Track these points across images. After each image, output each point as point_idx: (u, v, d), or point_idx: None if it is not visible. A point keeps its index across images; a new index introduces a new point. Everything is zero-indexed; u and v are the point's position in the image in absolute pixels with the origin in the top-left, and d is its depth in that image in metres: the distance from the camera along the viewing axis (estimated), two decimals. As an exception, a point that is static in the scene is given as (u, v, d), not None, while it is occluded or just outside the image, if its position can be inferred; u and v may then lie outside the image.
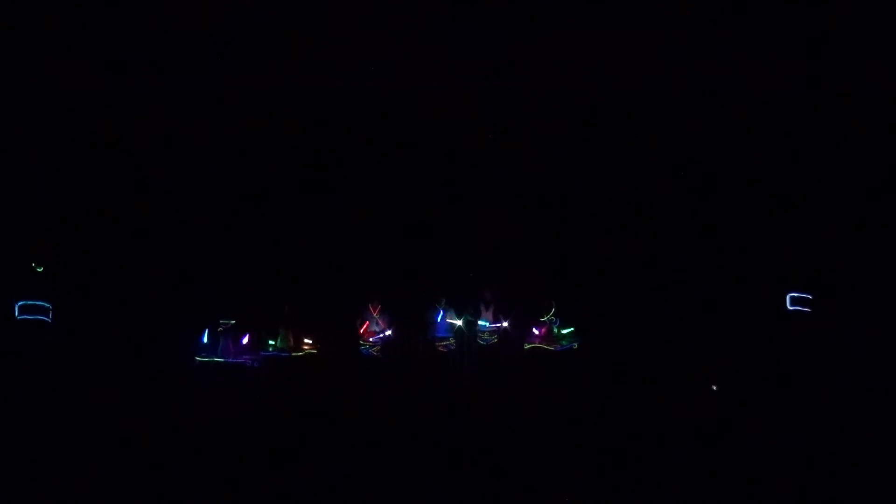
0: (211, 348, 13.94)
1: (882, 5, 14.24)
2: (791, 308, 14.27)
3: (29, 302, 13.93)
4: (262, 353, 14.19)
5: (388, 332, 14.34)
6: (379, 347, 14.27)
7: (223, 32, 14.44)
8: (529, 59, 14.68)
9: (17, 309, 13.90)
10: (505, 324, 14.43)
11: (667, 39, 14.59)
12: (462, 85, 14.81)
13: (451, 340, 14.32)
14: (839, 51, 14.58)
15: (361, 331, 14.34)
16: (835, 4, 14.38)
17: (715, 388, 14.01)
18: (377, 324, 14.39)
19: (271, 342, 14.26)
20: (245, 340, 14.07)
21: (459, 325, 14.35)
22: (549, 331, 14.37)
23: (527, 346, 14.35)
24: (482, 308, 14.47)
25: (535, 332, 14.39)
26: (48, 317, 13.97)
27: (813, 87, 14.74)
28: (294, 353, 14.25)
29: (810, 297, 14.25)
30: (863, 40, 14.47)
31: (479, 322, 14.36)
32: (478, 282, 14.69)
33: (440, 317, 14.32)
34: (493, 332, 14.42)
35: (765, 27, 14.50)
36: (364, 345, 14.28)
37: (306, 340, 14.33)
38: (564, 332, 14.33)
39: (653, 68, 14.77)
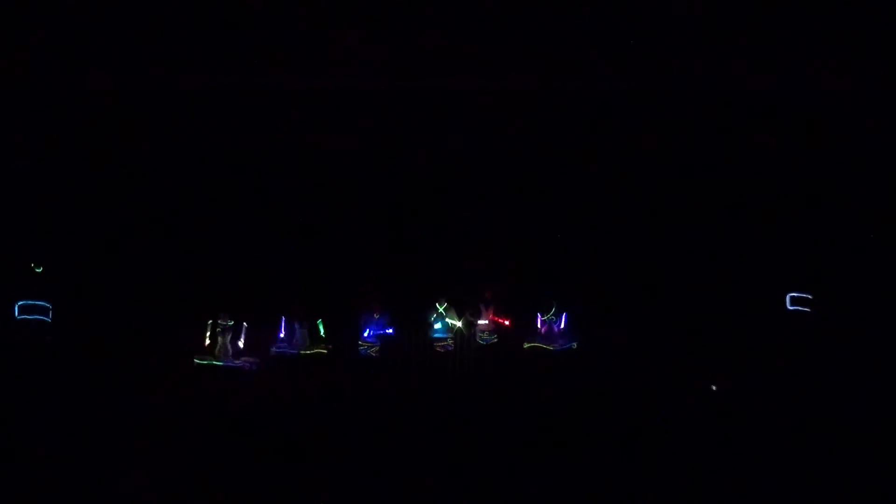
0: (209, 350, 13.96)
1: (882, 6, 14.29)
2: (791, 308, 14.27)
3: (29, 302, 13.96)
4: (272, 349, 14.17)
5: (388, 332, 14.37)
6: (378, 348, 14.28)
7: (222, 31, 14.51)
8: (528, 58, 14.70)
9: (17, 309, 13.94)
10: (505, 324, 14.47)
11: (666, 39, 14.61)
12: (462, 85, 14.82)
13: (450, 341, 14.32)
14: (839, 51, 14.58)
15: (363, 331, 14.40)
16: (839, 5, 14.42)
17: (715, 388, 14.01)
18: (377, 324, 14.41)
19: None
20: (242, 342, 14.09)
21: (458, 327, 14.36)
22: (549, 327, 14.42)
23: (526, 346, 14.35)
24: (482, 308, 14.50)
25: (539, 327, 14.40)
26: (48, 317, 14.00)
27: (813, 86, 14.72)
28: (303, 353, 14.25)
29: (810, 297, 14.26)
30: (863, 40, 14.49)
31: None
32: (478, 282, 14.70)
33: (438, 321, 14.35)
34: (493, 331, 14.44)
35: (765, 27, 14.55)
36: (363, 345, 14.28)
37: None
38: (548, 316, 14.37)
39: (652, 67, 14.78)
